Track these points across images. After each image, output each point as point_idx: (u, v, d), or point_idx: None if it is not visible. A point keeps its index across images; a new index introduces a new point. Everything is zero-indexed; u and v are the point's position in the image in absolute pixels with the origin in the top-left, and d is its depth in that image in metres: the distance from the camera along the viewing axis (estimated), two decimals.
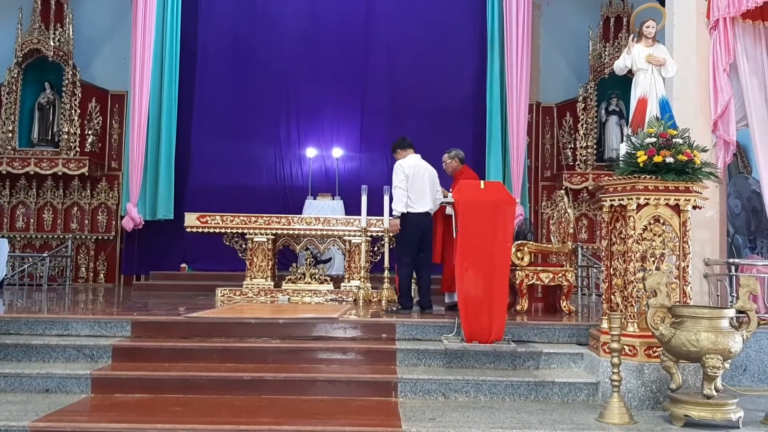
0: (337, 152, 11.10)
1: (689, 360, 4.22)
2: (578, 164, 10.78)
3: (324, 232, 8.06)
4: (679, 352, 4.17)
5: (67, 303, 7.33)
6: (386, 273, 7.22)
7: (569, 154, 11.06)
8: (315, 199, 10.34)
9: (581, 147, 10.78)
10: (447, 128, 10.90)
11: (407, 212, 6.50)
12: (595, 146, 10.78)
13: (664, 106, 5.31)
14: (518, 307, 6.48)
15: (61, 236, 10.64)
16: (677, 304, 4.54)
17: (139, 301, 7.57)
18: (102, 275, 10.83)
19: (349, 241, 8.09)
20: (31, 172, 10.44)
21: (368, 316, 6.15)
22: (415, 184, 6.52)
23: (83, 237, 10.76)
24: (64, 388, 4.70)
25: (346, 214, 9.53)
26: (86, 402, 4.53)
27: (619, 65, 5.57)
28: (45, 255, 9.77)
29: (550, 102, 11.46)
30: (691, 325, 4.13)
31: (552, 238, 7.41)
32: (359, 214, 7.66)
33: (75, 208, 10.85)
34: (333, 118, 11.32)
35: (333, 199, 10.39)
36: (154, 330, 5.46)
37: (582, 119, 10.81)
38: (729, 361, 4.14)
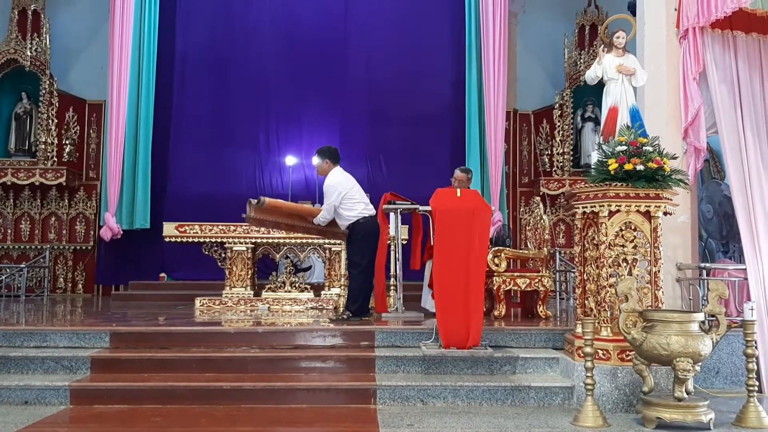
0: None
1: (660, 363, 4.32)
2: (555, 170, 10.91)
3: (304, 241, 8.07)
4: (651, 356, 4.26)
5: (45, 314, 7.29)
6: None
7: (546, 160, 11.19)
8: None
9: (558, 153, 10.91)
10: (426, 135, 11.01)
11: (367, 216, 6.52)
12: (571, 152, 10.91)
13: (635, 115, 5.42)
14: (496, 313, 6.55)
15: (38, 247, 10.55)
16: (649, 308, 4.64)
17: (118, 312, 7.54)
18: (80, 285, 10.75)
19: (329, 249, 8.12)
20: (8, 183, 10.35)
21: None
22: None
23: (61, 247, 10.69)
24: (43, 399, 4.71)
25: None
26: (65, 413, 4.53)
27: (590, 75, 5.67)
28: (23, 266, 9.68)
29: (527, 109, 11.58)
30: (662, 329, 4.22)
31: (529, 244, 7.50)
32: None
33: (53, 218, 10.76)
34: (313, 125, 11.31)
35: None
36: (133, 341, 5.46)
37: (558, 126, 10.93)
38: (699, 364, 4.24)
